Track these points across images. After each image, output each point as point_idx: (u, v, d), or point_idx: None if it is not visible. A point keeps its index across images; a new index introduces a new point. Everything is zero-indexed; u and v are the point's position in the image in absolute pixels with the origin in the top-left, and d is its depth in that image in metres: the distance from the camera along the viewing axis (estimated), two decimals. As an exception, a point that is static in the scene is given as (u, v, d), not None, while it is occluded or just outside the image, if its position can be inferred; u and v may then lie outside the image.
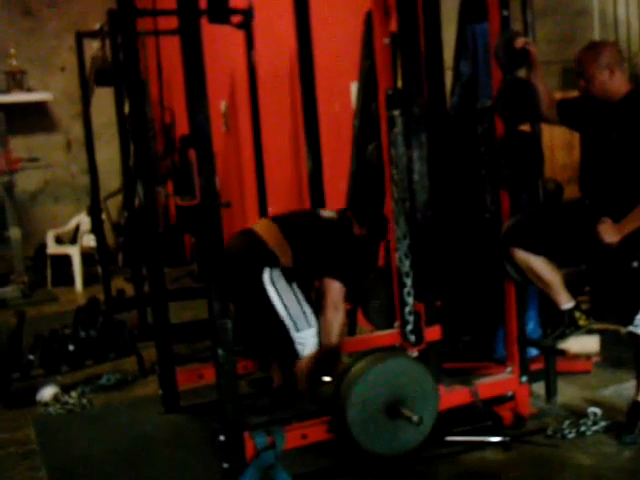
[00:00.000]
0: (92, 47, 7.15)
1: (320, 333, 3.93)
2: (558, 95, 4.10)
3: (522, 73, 3.76)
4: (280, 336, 3.93)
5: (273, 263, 3.91)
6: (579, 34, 7.62)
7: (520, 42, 3.58)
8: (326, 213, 4.25)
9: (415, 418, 3.36)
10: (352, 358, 3.61)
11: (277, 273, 3.90)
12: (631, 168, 3.44)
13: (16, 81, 9.07)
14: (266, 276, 3.87)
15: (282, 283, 3.90)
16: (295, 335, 3.90)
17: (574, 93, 3.76)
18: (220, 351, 3.23)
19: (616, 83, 3.52)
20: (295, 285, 3.94)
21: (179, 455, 3.88)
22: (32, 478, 3.79)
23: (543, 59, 7.49)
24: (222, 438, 3.29)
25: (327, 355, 3.92)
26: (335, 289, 3.91)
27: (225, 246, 3.26)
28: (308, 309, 3.93)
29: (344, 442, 3.46)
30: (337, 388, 3.48)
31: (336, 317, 3.92)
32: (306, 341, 3.92)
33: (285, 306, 3.88)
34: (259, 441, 3.32)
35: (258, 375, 4.63)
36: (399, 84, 3.77)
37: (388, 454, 3.51)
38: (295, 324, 3.89)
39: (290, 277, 3.92)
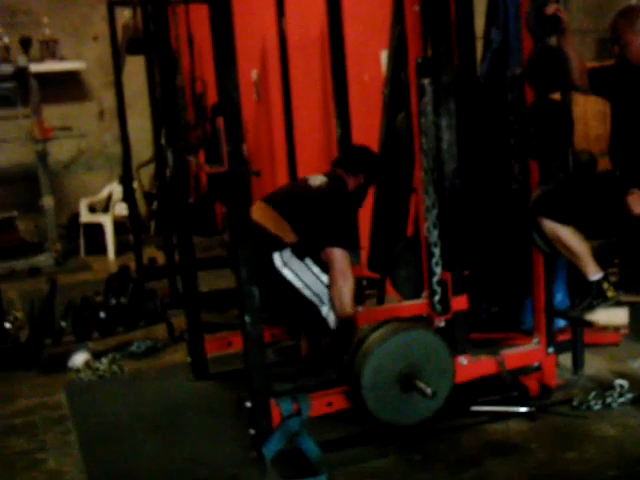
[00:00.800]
0: (124, 16, 7.17)
1: (333, 303, 3.93)
2: (594, 65, 4.04)
3: (554, 41, 3.72)
4: (310, 314, 3.94)
5: (279, 246, 3.91)
6: (614, 3, 7.50)
7: (551, 9, 3.52)
8: (317, 180, 4.19)
9: (429, 391, 3.37)
10: (370, 326, 3.59)
11: (287, 254, 3.90)
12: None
13: (49, 50, 9.09)
14: (277, 260, 3.89)
15: (295, 262, 3.90)
16: (322, 308, 3.92)
17: (610, 62, 3.70)
18: (247, 318, 3.26)
19: None
20: (309, 260, 3.94)
21: (207, 421, 3.92)
22: (64, 442, 3.85)
23: (579, 29, 7.43)
24: (249, 405, 3.33)
25: (343, 324, 3.92)
26: (339, 257, 3.88)
27: None
28: (325, 278, 3.94)
29: (357, 409, 3.48)
30: (353, 355, 3.48)
31: (346, 284, 3.89)
32: (331, 307, 3.93)
33: (305, 284, 3.90)
34: (285, 408, 3.36)
35: (286, 343, 4.66)
36: (429, 52, 3.74)
37: (399, 424, 3.53)
38: (319, 298, 3.91)
39: (301, 253, 3.91)
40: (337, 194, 4.09)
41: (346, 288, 3.89)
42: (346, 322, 3.91)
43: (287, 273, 3.89)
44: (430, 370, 3.49)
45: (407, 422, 3.54)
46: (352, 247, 4.00)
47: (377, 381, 3.42)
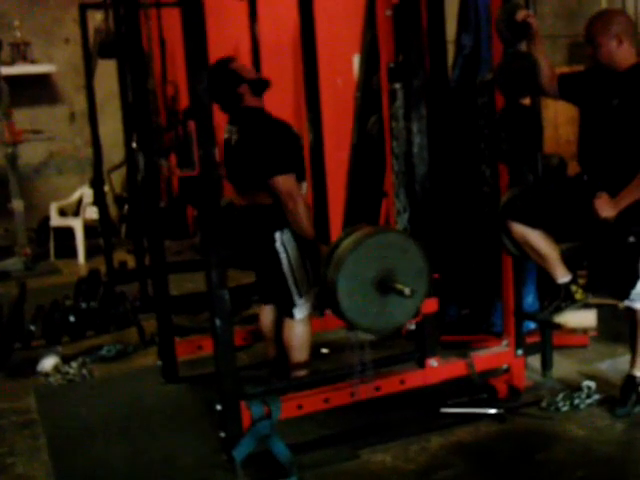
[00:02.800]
0: (95, 19, 7.15)
1: (292, 225, 3.83)
2: (565, 69, 4.09)
3: (524, 46, 3.75)
4: (281, 291, 3.94)
5: (279, 224, 3.85)
6: (586, 9, 7.59)
7: (521, 15, 3.55)
8: (231, 134, 3.97)
9: (407, 291, 3.25)
10: (340, 236, 3.47)
11: (287, 235, 3.86)
12: (629, 139, 3.43)
13: (20, 53, 9.04)
14: (278, 241, 3.86)
15: (292, 245, 3.87)
16: (295, 295, 3.91)
17: (581, 67, 3.74)
18: (218, 322, 3.26)
19: (623, 53, 3.47)
20: (304, 250, 3.91)
21: (177, 425, 3.92)
22: (32, 446, 3.82)
23: (550, 33, 7.51)
24: (219, 408, 3.33)
25: (308, 242, 3.85)
26: (281, 182, 3.74)
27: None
28: (312, 277, 3.92)
29: (337, 316, 3.41)
30: (327, 262, 3.37)
31: (297, 206, 3.75)
32: (304, 305, 3.94)
33: (292, 268, 3.87)
34: (255, 411, 3.35)
35: (257, 347, 4.66)
36: (401, 57, 3.76)
37: (377, 329, 3.49)
38: (298, 288, 3.90)
39: (302, 244, 3.90)
40: (252, 130, 3.90)
41: (299, 210, 3.76)
42: (310, 240, 3.84)
43: (283, 256, 3.87)
44: (406, 271, 3.35)
45: (387, 326, 3.46)
46: (293, 169, 3.81)
47: (353, 288, 3.28)
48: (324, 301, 3.48)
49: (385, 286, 3.30)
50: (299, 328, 3.98)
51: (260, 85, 4.04)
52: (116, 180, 8.74)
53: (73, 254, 8.34)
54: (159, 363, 4.49)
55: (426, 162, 3.64)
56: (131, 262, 6.67)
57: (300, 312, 3.95)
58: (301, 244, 3.88)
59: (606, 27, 3.47)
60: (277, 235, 3.86)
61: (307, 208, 3.88)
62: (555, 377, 4.13)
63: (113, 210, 8.62)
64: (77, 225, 8.40)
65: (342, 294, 3.26)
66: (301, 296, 3.93)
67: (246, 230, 3.95)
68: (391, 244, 3.38)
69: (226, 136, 4.03)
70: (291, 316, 3.96)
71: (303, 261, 3.90)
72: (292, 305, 3.94)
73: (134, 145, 5.64)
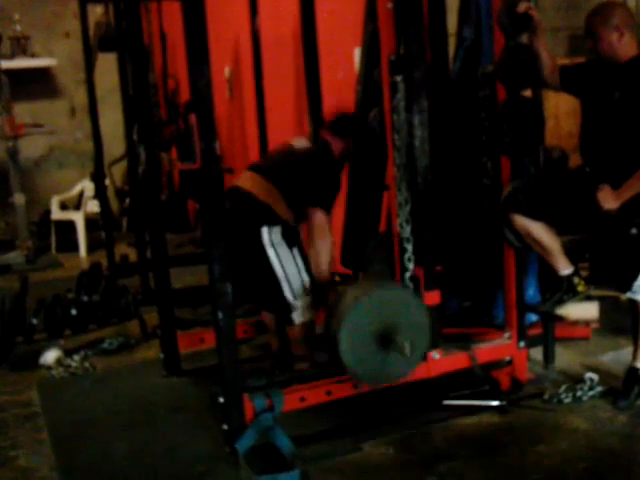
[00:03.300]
0: (96, 12, 7.13)
1: (311, 264, 3.91)
2: (566, 62, 4.08)
3: (525, 39, 3.74)
4: (276, 298, 3.94)
5: (269, 218, 3.87)
6: (587, 1, 7.57)
7: (522, 7, 3.54)
8: (300, 143, 4.18)
9: (407, 348, 3.31)
10: (342, 289, 3.56)
11: (277, 235, 3.88)
12: (631, 131, 3.43)
13: (20, 47, 9.02)
14: (265, 236, 3.85)
15: (283, 247, 3.88)
16: (291, 300, 3.92)
17: (581, 60, 3.73)
18: (220, 314, 3.26)
19: (624, 46, 3.48)
20: (296, 250, 3.93)
21: (180, 418, 3.92)
22: (35, 439, 3.83)
23: (551, 26, 7.49)
24: (221, 400, 3.33)
25: (320, 285, 3.91)
26: (319, 217, 3.86)
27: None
28: (307, 278, 3.94)
29: (335, 367, 3.46)
30: (330, 316, 3.44)
31: (324, 246, 3.87)
32: (302, 308, 3.94)
33: (284, 270, 3.88)
34: (258, 403, 3.36)
35: (259, 339, 4.67)
36: (402, 50, 3.75)
37: (378, 383, 3.53)
38: (292, 289, 3.90)
39: (291, 241, 3.91)
40: (323, 156, 4.07)
41: (324, 248, 3.87)
42: (322, 282, 3.90)
43: (272, 255, 3.87)
44: (406, 326, 3.41)
45: (388, 380, 3.52)
46: (330, 210, 3.97)
47: (354, 342, 3.35)
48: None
49: (386, 341, 3.38)
50: (303, 324, 3.98)
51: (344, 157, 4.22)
52: (117, 173, 8.72)
53: (74, 248, 8.35)
54: (161, 356, 4.50)
55: (427, 155, 3.63)
56: (133, 255, 6.67)
57: (299, 317, 3.95)
58: (292, 246, 3.89)
59: (606, 20, 3.47)
60: (264, 230, 3.85)
61: (332, 254, 3.97)
62: (557, 369, 4.14)
63: (114, 203, 8.62)
64: (78, 219, 8.40)
65: (344, 348, 3.35)
66: (296, 298, 3.93)
67: (234, 222, 3.84)
68: (393, 299, 3.49)
69: (294, 141, 4.22)
70: (291, 322, 3.96)
71: (296, 263, 3.91)
72: (289, 310, 3.94)
73: (135, 138, 5.64)
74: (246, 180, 4.03)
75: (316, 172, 3.99)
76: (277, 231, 3.88)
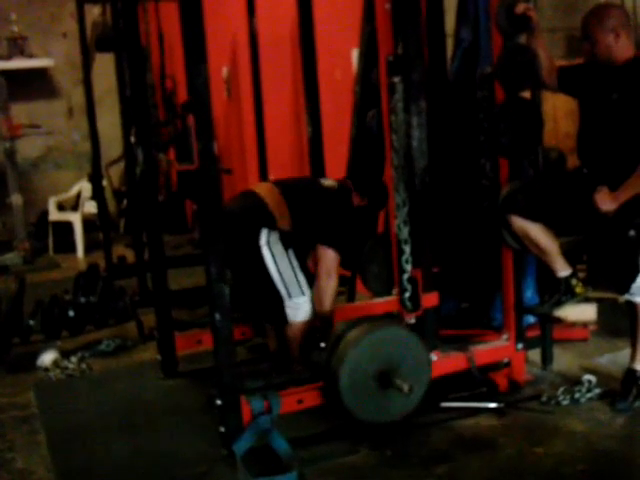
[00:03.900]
0: (93, 13, 7.14)
1: (313, 301, 3.97)
2: (563, 63, 4.07)
3: (524, 39, 3.74)
4: (271, 299, 3.95)
5: (271, 225, 3.92)
6: (585, 2, 7.56)
7: (521, 8, 3.54)
8: (327, 182, 4.25)
9: (405, 387, 3.38)
10: (345, 325, 3.60)
11: (274, 237, 3.91)
12: (629, 132, 3.42)
13: (17, 47, 9.02)
14: (263, 238, 3.89)
15: (278, 248, 3.91)
16: (287, 300, 3.93)
17: (579, 61, 3.72)
18: (217, 316, 3.25)
19: (621, 47, 3.48)
20: (291, 252, 3.95)
21: (177, 419, 3.91)
22: (31, 441, 3.81)
23: (548, 26, 7.47)
24: (219, 402, 3.32)
25: (321, 322, 3.96)
26: (329, 257, 3.94)
27: (226, 205, 3.26)
28: (302, 277, 3.97)
29: (335, 408, 3.48)
30: (330, 355, 3.49)
31: (329, 284, 3.95)
32: (298, 308, 3.94)
33: (279, 270, 3.91)
34: (255, 406, 3.35)
35: (256, 341, 4.66)
36: (400, 50, 3.75)
37: (377, 421, 3.53)
38: (287, 289, 3.92)
39: (287, 243, 3.93)
40: (343, 199, 4.13)
41: (329, 287, 3.95)
42: (323, 319, 3.96)
43: (266, 254, 3.90)
44: (406, 366, 3.48)
45: (386, 419, 3.54)
46: (344, 253, 4.03)
47: (354, 382, 3.41)
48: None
49: (385, 381, 3.43)
50: (300, 325, 3.98)
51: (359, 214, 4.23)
52: (115, 174, 8.74)
53: (72, 249, 8.34)
54: (158, 358, 4.48)
55: (425, 156, 3.63)
56: (130, 256, 6.66)
57: (296, 316, 3.96)
58: (287, 248, 3.90)
59: (602, 22, 3.47)
60: (263, 232, 3.90)
61: (336, 290, 4.01)
62: (555, 371, 4.13)
63: (112, 204, 8.61)
64: (76, 219, 8.40)
65: (344, 388, 3.40)
66: (291, 297, 3.93)
67: (234, 224, 3.93)
68: (393, 339, 3.54)
69: (323, 180, 4.28)
70: (287, 322, 3.98)
71: (290, 263, 3.92)
72: (283, 309, 3.95)
73: (132, 139, 5.64)
74: (263, 188, 4.15)
75: (332, 210, 4.06)
76: (275, 234, 3.92)
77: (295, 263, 3.95)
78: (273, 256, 3.90)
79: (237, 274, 4.08)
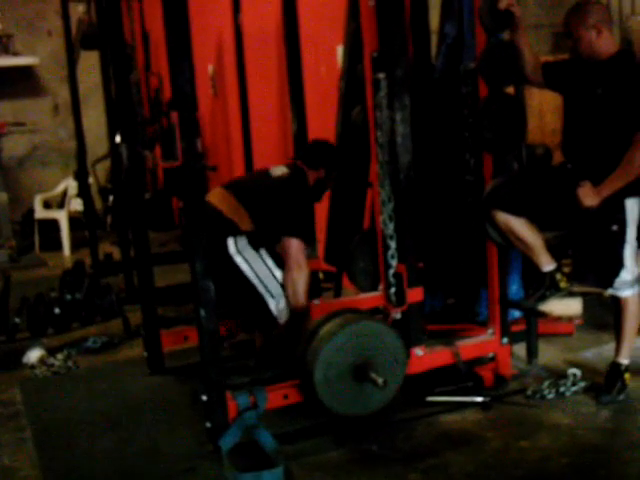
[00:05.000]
0: (78, 11, 7.12)
1: (287, 294, 3.95)
2: (549, 59, 4.09)
3: (508, 35, 3.75)
4: (257, 305, 3.96)
5: (234, 231, 3.91)
6: (569, -2, 7.59)
7: (504, 3, 3.54)
8: (278, 171, 4.19)
9: (380, 381, 3.38)
10: (318, 320, 3.58)
11: (242, 242, 3.92)
12: (613, 127, 3.44)
13: (2, 45, 8.99)
14: (231, 246, 3.89)
15: (249, 251, 3.91)
16: (270, 300, 3.93)
17: (565, 56, 3.73)
18: (202, 312, 3.26)
19: (604, 43, 3.49)
20: (263, 251, 3.95)
21: (163, 415, 3.91)
22: (17, 438, 3.81)
23: (534, 23, 7.50)
24: (204, 398, 3.32)
25: (296, 315, 3.94)
26: (294, 247, 3.90)
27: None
28: (279, 273, 3.96)
29: (311, 403, 3.49)
30: (304, 351, 3.48)
31: (301, 275, 3.92)
32: (281, 305, 3.95)
33: (256, 275, 3.91)
34: (241, 401, 3.36)
35: (242, 337, 4.66)
36: (384, 47, 3.75)
37: (354, 415, 3.54)
38: (268, 290, 3.92)
39: (256, 244, 3.92)
40: (297, 185, 4.09)
41: (300, 278, 3.91)
42: (298, 313, 3.92)
43: (240, 261, 3.90)
44: (381, 360, 3.48)
45: (361, 413, 3.55)
46: (308, 240, 4.01)
47: (329, 375, 3.42)
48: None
49: (361, 374, 3.43)
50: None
51: (322, 184, 4.23)
52: (101, 172, 8.72)
53: (58, 246, 8.31)
54: (145, 354, 4.48)
55: (410, 151, 3.64)
56: (116, 254, 6.66)
57: (282, 315, 3.98)
58: (258, 248, 3.90)
59: (583, 19, 3.48)
60: (230, 241, 3.90)
61: (308, 280, 3.97)
62: (540, 365, 4.14)
63: (98, 202, 8.60)
64: (62, 217, 8.37)
65: (319, 381, 3.40)
66: (273, 296, 3.94)
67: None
68: (369, 333, 3.52)
69: (271, 167, 4.22)
70: (276, 323, 3.98)
71: (265, 263, 3.92)
72: (271, 312, 3.97)
73: (118, 137, 5.63)
74: (216, 196, 4.09)
75: (287, 201, 4.02)
76: (242, 239, 3.93)
77: (269, 261, 3.95)
78: (246, 260, 3.90)
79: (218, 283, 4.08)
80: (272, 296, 3.94)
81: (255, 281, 3.91)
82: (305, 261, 3.95)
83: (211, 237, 3.79)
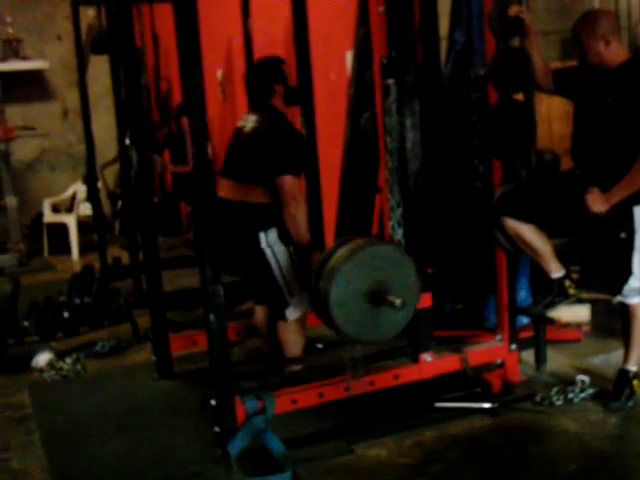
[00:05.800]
0: (88, 15, 7.13)
1: (290, 232, 3.88)
2: (558, 65, 4.09)
3: (517, 42, 3.76)
4: (272, 293, 3.96)
5: (263, 225, 3.88)
6: (578, 4, 7.58)
7: (514, 10, 3.56)
8: (249, 122, 4.04)
9: (398, 302, 3.26)
10: (332, 246, 3.48)
11: (273, 236, 3.88)
12: (623, 135, 3.44)
13: (12, 49, 9.01)
14: (263, 241, 3.86)
15: (279, 246, 3.88)
16: (288, 299, 3.93)
17: (574, 63, 3.73)
18: (211, 316, 3.27)
19: (612, 53, 3.49)
20: (293, 249, 3.92)
21: (171, 420, 3.92)
22: (26, 442, 3.82)
23: (543, 29, 7.50)
24: (213, 403, 3.33)
25: (300, 250, 3.89)
26: (288, 183, 3.80)
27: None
28: (302, 274, 3.93)
29: (327, 326, 3.41)
30: (318, 275, 3.36)
31: (298, 210, 3.83)
32: (298, 303, 3.94)
33: (280, 267, 3.88)
34: (250, 406, 3.36)
35: (251, 342, 4.66)
36: (394, 53, 3.76)
37: (367, 341, 3.49)
38: (289, 288, 3.91)
39: (287, 241, 3.90)
40: (272, 124, 3.97)
41: (299, 214, 3.84)
42: (304, 246, 3.88)
43: (269, 254, 3.88)
44: (397, 283, 3.35)
45: (376, 338, 3.47)
46: (299, 171, 3.93)
47: (345, 298, 3.28)
48: (314, 308, 3.48)
49: (376, 298, 3.31)
50: (293, 325, 4.00)
51: (294, 95, 4.11)
52: (109, 176, 8.73)
53: (67, 250, 8.32)
54: (153, 359, 4.49)
55: (419, 158, 3.64)
56: (125, 258, 6.67)
57: (293, 313, 3.96)
58: (288, 245, 3.90)
59: (592, 30, 3.48)
60: (261, 235, 3.87)
61: (307, 212, 3.91)
62: (549, 371, 4.14)
63: (107, 206, 8.60)
64: (71, 221, 8.38)
65: (334, 303, 3.27)
66: (292, 295, 3.94)
67: (230, 229, 3.90)
68: (385, 257, 3.39)
69: (241, 124, 4.07)
70: (283, 317, 3.97)
71: (292, 261, 3.91)
72: (284, 306, 3.95)
73: (127, 141, 5.64)
74: (225, 189, 4.01)
75: (270, 142, 3.89)
76: (273, 233, 3.88)
77: (297, 260, 3.92)
78: (275, 255, 3.88)
79: (239, 266, 4.07)
80: (291, 294, 3.93)
81: (277, 274, 3.89)
82: (301, 195, 3.89)
83: (241, 230, 3.86)
